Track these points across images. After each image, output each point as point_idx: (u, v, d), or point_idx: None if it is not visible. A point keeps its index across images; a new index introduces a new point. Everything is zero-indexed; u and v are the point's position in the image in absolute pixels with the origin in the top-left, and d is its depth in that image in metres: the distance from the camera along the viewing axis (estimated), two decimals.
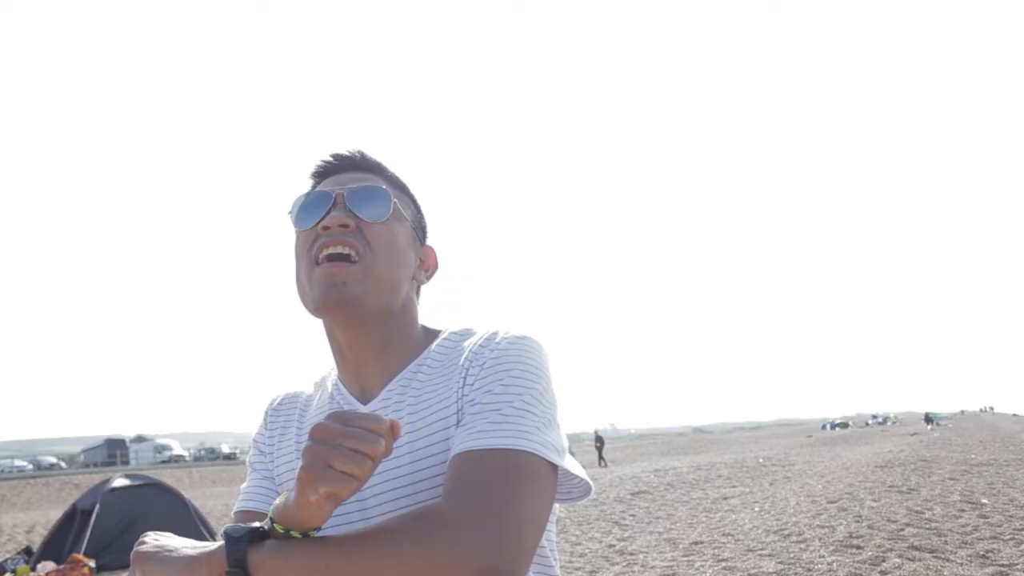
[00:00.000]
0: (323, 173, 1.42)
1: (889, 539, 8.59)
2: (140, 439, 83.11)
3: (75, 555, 10.14)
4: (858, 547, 8.23)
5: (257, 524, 1.12)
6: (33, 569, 10.28)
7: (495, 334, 1.32)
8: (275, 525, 1.08)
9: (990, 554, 7.62)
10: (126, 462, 67.01)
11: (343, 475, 0.98)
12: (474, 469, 1.12)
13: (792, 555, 8.07)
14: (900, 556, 7.63)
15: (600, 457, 38.60)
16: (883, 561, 7.46)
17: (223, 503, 16.90)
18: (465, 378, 1.27)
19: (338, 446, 0.98)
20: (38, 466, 67.30)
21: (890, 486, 14.21)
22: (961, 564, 7.22)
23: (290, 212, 1.37)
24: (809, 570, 7.27)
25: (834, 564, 7.44)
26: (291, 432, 1.46)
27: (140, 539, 1.23)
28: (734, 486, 17.35)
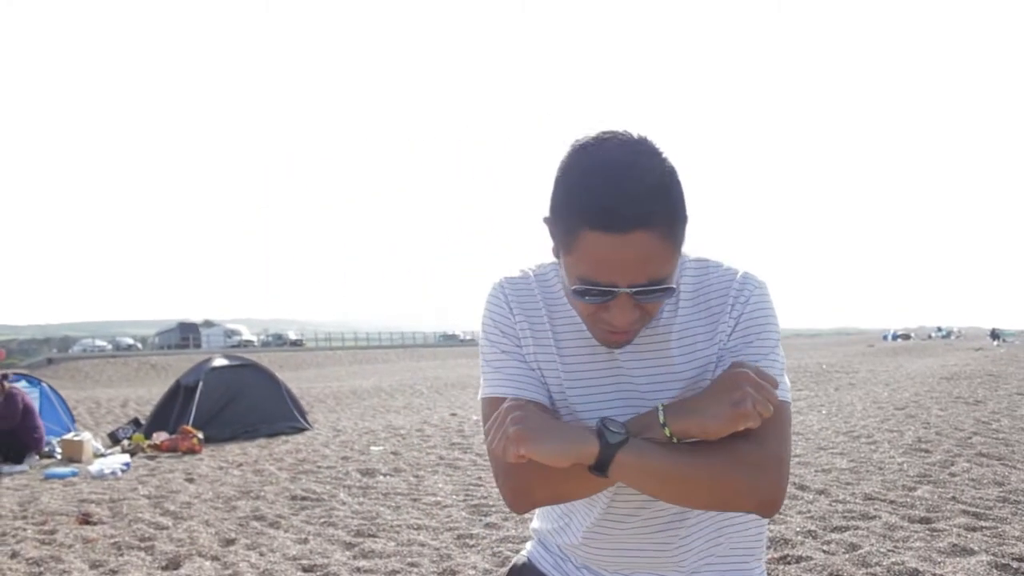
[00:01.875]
0: (607, 223, 1.28)
1: (957, 445, 8.93)
2: (208, 324, 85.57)
3: (184, 426, 10.96)
4: (927, 451, 8.59)
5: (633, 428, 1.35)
6: (147, 437, 11.13)
7: (745, 282, 1.50)
8: (670, 433, 1.34)
9: None
10: (198, 345, 69.32)
11: (759, 416, 1.30)
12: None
13: (863, 455, 8.48)
14: (968, 461, 7.98)
15: None
16: (952, 464, 7.83)
17: (296, 387, 17.77)
18: (735, 328, 1.48)
19: (763, 394, 1.30)
20: (117, 346, 70.09)
21: (956, 397, 14.44)
22: None
23: (576, 279, 1.35)
24: (880, 469, 7.67)
25: (904, 464, 7.83)
26: (544, 327, 1.55)
27: (512, 416, 1.33)
28: (799, 390, 17.70)
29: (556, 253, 1.43)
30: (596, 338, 1.44)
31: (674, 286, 1.36)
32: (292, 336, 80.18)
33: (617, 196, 1.28)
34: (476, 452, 9.80)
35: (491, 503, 6.90)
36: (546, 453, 1.29)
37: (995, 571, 4.60)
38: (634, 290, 1.32)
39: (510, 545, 5.56)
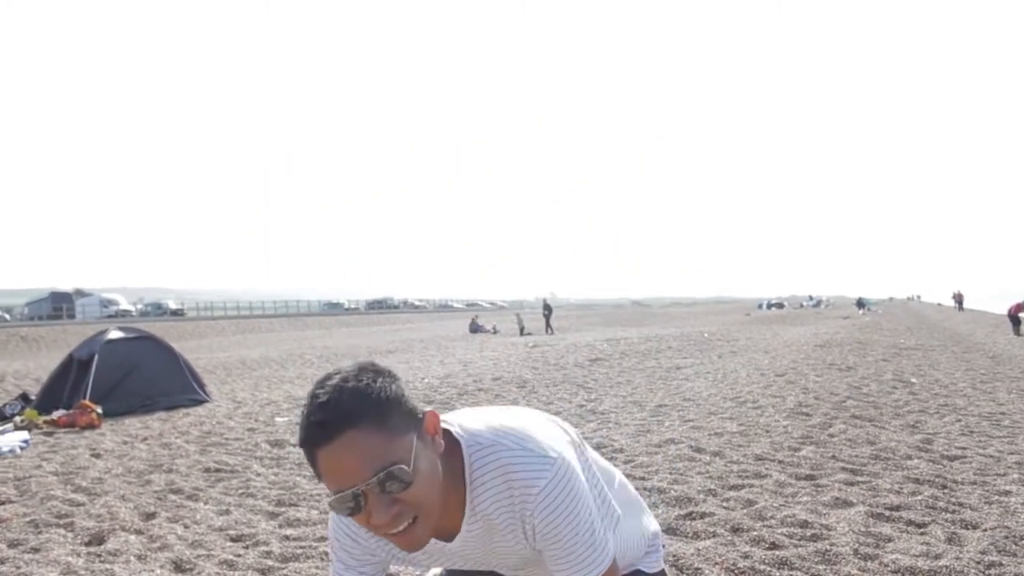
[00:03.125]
0: (307, 446, 1.50)
1: (833, 409, 9.66)
2: (80, 293, 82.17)
3: (82, 401, 10.77)
4: (807, 415, 9.27)
5: None
6: (42, 413, 10.88)
7: (530, 488, 1.62)
8: None
9: (918, 424, 8.71)
10: (72, 316, 66.71)
11: None
12: None
13: (750, 418, 9.08)
14: (844, 423, 8.68)
15: (548, 325, 39.71)
16: (830, 426, 8.51)
17: (190, 356, 17.54)
18: (529, 535, 1.68)
19: None
20: None
21: (830, 364, 15.42)
22: (895, 431, 8.28)
23: (328, 501, 1.55)
24: (768, 431, 8.27)
25: (788, 427, 8.46)
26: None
27: None
28: (684, 357, 18.49)
29: None
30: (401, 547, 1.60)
31: (406, 468, 1.48)
32: (172, 305, 78.07)
33: (313, 412, 1.49)
34: None
35: None
36: None
37: (871, 519, 5.15)
38: (366, 484, 1.45)
39: None
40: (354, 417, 1.46)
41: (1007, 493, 5.82)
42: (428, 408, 1.71)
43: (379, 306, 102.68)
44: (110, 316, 65.10)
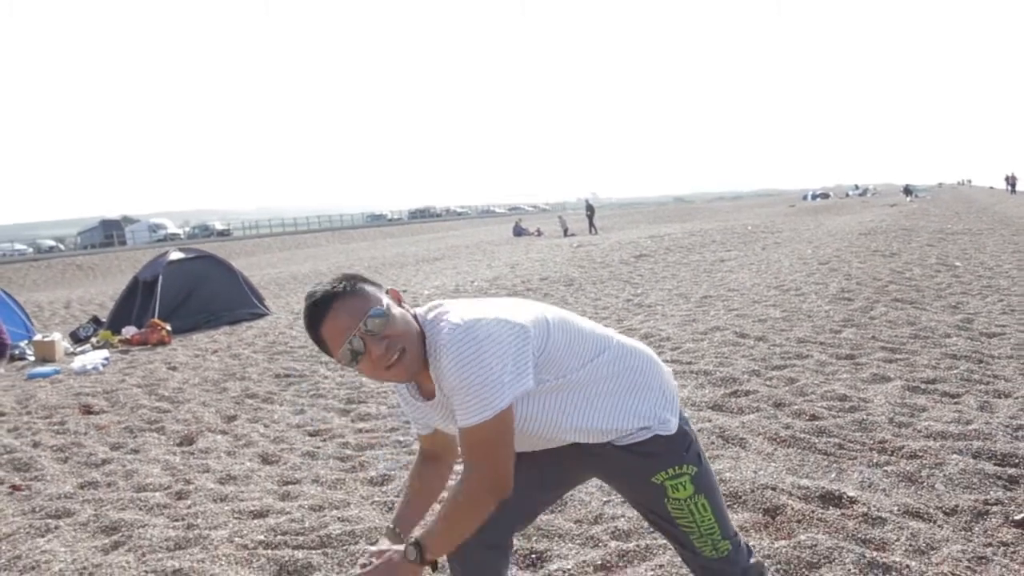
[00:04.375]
0: (318, 318, 1.96)
1: (875, 293, 9.87)
2: (128, 220, 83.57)
3: (152, 320, 11.34)
4: (849, 299, 9.50)
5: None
6: (116, 333, 11.49)
7: (437, 347, 1.95)
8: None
9: (960, 305, 8.90)
10: (123, 242, 68.06)
11: None
12: (464, 445, 1.96)
13: (793, 305, 9.34)
14: (886, 306, 8.90)
15: (591, 225, 39.72)
16: (871, 310, 8.74)
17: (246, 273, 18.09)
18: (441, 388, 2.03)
19: None
20: (38, 249, 68.45)
21: (874, 251, 15.51)
22: (935, 312, 8.49)
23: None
24: (810, 316, 8.54)
25: (830, 312, 8.72)
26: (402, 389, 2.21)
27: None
28: (728, 250, 18.67)
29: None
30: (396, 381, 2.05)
31: (381, 307, 1.93)
32: (219, 226, 79.19)
33: (307, 308, 1.98)
34: None
35: None
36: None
37: (907, 392, 5.46)
38: (356, 331, 1.91)
39: None
40: (334, 294, 1.94)
41: None
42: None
43: (422, 215, 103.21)
44: (159, 240, 66.34)
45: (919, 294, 9.75)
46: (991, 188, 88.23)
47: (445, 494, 2.24)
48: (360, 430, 5.84)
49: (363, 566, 2.05)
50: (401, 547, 2.03)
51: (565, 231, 38.67)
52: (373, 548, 2.11)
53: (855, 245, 17.16)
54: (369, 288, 1.98)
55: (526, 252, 24.97)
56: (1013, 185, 63.03)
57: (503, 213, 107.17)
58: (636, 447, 2.14)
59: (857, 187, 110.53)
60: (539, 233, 41.07)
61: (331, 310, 1.93)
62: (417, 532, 2.08)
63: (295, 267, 29.92)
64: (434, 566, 2.06)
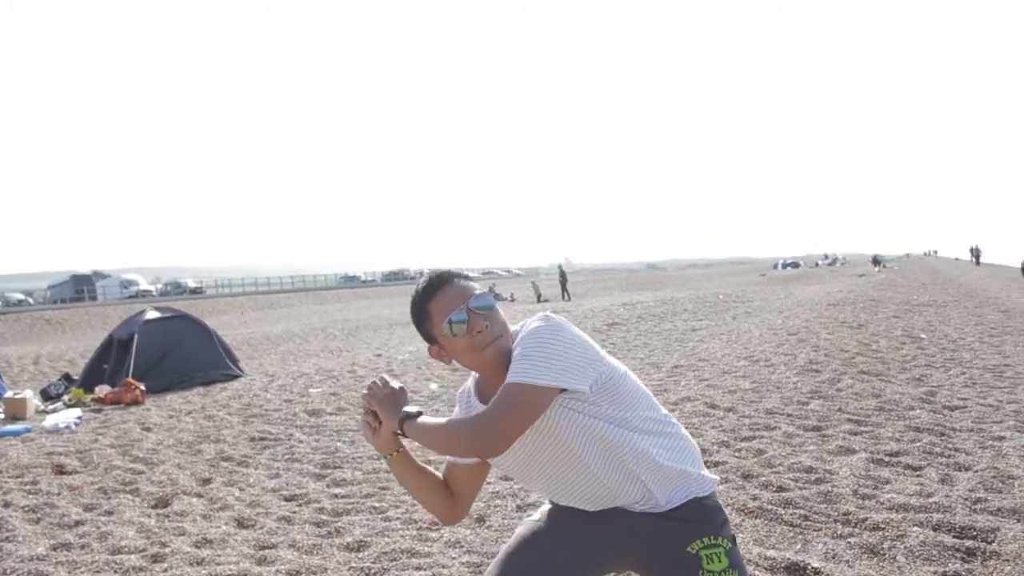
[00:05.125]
0: (431, 292, 2.22)
1: (843, 365, 10.09)
2: (99, 275, 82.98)
3: (126, 379, 11.33)
4: (817, 371, 9.71)
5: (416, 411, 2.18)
6: (89, 391, 11.45)
7: (522, 333, 2.14)
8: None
9: (924, 378, 9.13)
10: (94, 297, 67.54)
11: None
12: (496, 395, 2.06)
13: (762, 376, 9.53)
14: (852, 378, 9.12)
15: (564, 291, 40.07)
16: (838, 381, 8.94)
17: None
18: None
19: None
20: (6, 302, 67.78)
21: (842, 322, 15.80)
22: (900, 385, 8.71)
23: (445, 323, 2.16)
24: (778, 387, 8.73)
25: (798, 383, 8.91)
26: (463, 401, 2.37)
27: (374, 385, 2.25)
28: (700, 319, 18.92)
29: (439, 355, 2.24)
30: (495, 359, 2.16)
31: (488, 294, 2.20)
32: (191, 284, 78.88)
33: (421, 284, 2.23)
34: (411, 390, 10.50)
35: None
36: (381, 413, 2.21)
37: (871, 464, 5.63)
38: (466, 305, 2.16)
39: None
40: (451, 276, 2.24)
41: (1001, 439, 6.26)
42: None
43: (396, 277, 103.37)
44: (131, 296, 65.95)
45: (885, 366, 9.98)
46: (956, 259, 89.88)
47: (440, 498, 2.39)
48: (336, 495, 5.90)
49: (372, 384, 2.25)
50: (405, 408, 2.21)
51: (538, 297, 39.00)
52: (389, 379, 2.28)
53: (824, 316, 17.46)
54: (476, 282, 2.26)
55: None
56: (977, 257, 64.31)
57: (477, 277, 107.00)
58: (673, 513, 2.19)
59: (827, 256, 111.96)
60: (512, 299, 41.35)
61: (446, 285, 2.19)
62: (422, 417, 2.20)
63: (268, 328, 29.86)
64: (397, 443, 2.24)
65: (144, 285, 74.42)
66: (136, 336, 12.31)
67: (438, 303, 2.18)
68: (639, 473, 2.18)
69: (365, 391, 2.23)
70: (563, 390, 2.06)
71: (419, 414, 2.16)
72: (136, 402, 10.92)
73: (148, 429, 9.03)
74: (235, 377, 12.98)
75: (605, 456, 2.16)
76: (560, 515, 2.33)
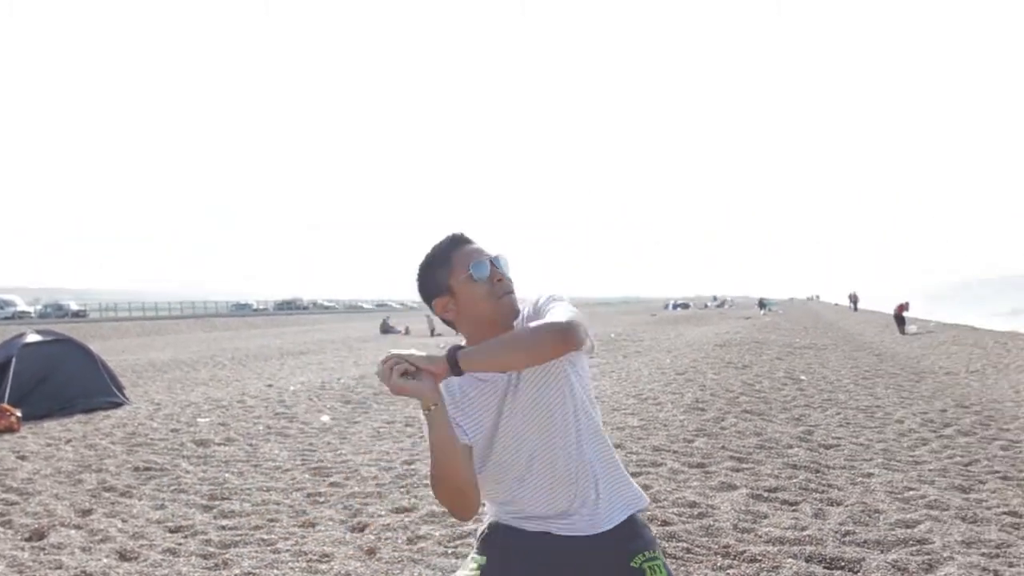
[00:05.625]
0: (457, 243, 2.33)
1: (727, 404, 10.46)
2: None
3: (1, 405, 10.84)
4: (703, 410, 10.03)
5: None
6: None
7: (531, 301, 2.32)
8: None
9: (802, 418, 9.56)
10: None
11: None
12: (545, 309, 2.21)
13: (650, 414, 9.80)
14: (736, 417, 9.46)
15: None
16: (723, 420, 9.28)
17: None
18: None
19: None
20: None
21: (728, 362, 16.34)
22: (780, 424, 9.09)
23: (468, 270, 2.26)
24: (665, 425, 8.98)
25: (685, 421, 9.19)
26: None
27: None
28: (592, 357, 19.23)
29: (443, 308, 2.31)
30: (505, 314, 2.27)
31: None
32: (74, 306, 75.95)
33: (450, 236, 2.35)
34: (302, 421, 10.40)
35: (329, 465, 7.61)
36: (419, 360, 2.08)
37: (751, 500, 5.88)
38: (492, 257, 2.29)
39: (359, 499, 6.32)
40: (470, 239, 2.36)
41: (870, 475, 6.62)
42: None
43: (288, 307, 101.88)
44: (7, 318, 63.01)
45: (767, 406, 10.38)
46: (836, 304, 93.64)
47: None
48: (224, 527, 5.80)
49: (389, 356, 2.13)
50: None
51: (432, 331, 38.94)
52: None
53: (711, 356, 18.01)
54: None
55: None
56: (855, 303, 67.28)
57: (370, 309, 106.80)
58: (616, 531, 2.29)
59: (715, 298, 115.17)
60: (407, 332, 41.17)
61: (469, 243, 2.32)
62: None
63: (154, 354, 28.95)
64: (439, 394, 2.14)
65: (22, 306, 71.23)
66: (14, 359, 11.81)
67: (462, 254, 2.28)
68: (596, 467, 2.31)
69: (382, 364, 2.10)
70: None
71: (460, 347, 2.13)
72: (11, 429, 10.45)
73: (23, 458, 8.67)
74: (119, 405, 12.56)
75: (591, 432, 2.34)
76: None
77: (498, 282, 2.27)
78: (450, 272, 2.28)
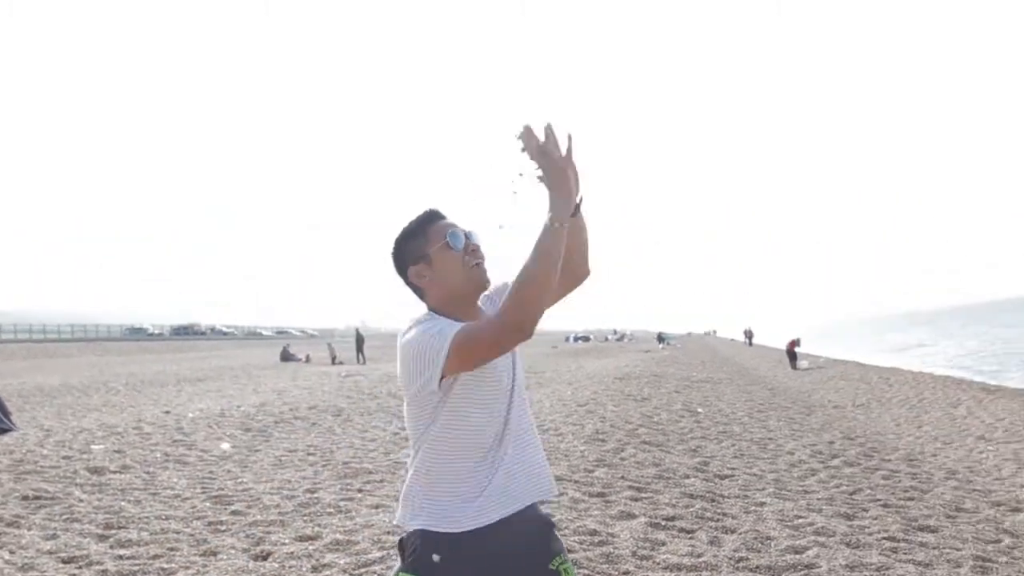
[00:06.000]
0: (432, 218, 2.48)
1: (627, 436, 10.70)
2: None
3: None
4: (603, 441, 10.25)
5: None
6: None
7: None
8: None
9: (699, 449, 9.86)
10: None
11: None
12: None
13: (552, 445, 9.95)
14: (635, 448, 9.70)
15: (359, 354, 39.79)
16: (622, 451, 9.50)
17: None
18: None
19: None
20: None
21: (627, 395, 16.68)
22: (678, 455, 9.37)
23: (444, 237, 2.41)
24: (567, 456, 9.15)
25: (585, 452, 9.38)
26: None
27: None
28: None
29: (418, 275, 2.44)
30: (475, 283, 2.43)
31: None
32: None
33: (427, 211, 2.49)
34: (201, 448, 10.21)
35: (230, 493, 7.51)
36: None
37: (650, 528, 6.06)
38: (467, 229, 2.46)
39: (262, 527, 6.27)
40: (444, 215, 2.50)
41: (762, 504, 6.91)
42: None
43: (185, 332, 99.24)
44: None
45: (665, 437, 10.67)
46: (732, 340, 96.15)
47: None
48: (120, 557, 5.68)
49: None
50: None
51: (333, 359, 38.55)
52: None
53: (611, 389, 18.34)
54: None
55: (293, 379, 24.70)
56: (750, 338, 69.31)
57: (270, 336, 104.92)
58: (544, 523, 2.55)
59: (615, 332, 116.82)
60: (307, 359, 40.63)
61: (444, 218, 2.46)
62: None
63: (42, 379, 27.86)
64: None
65: None
66: None
67: (438, 226, 2.43)
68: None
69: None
70: None
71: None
72: None
73: None
74: (5, 431, 12.07)
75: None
76: None
77: (472, 251, 2.42)
78: (426, 242, 2.42)
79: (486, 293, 2.51)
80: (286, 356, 41.27)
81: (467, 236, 2.44)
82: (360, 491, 7.52)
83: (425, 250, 2.41)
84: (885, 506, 6.93)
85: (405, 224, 2.48)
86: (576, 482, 7.73)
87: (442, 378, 2.26)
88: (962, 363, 34.10)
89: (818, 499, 7.17)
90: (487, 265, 2.47)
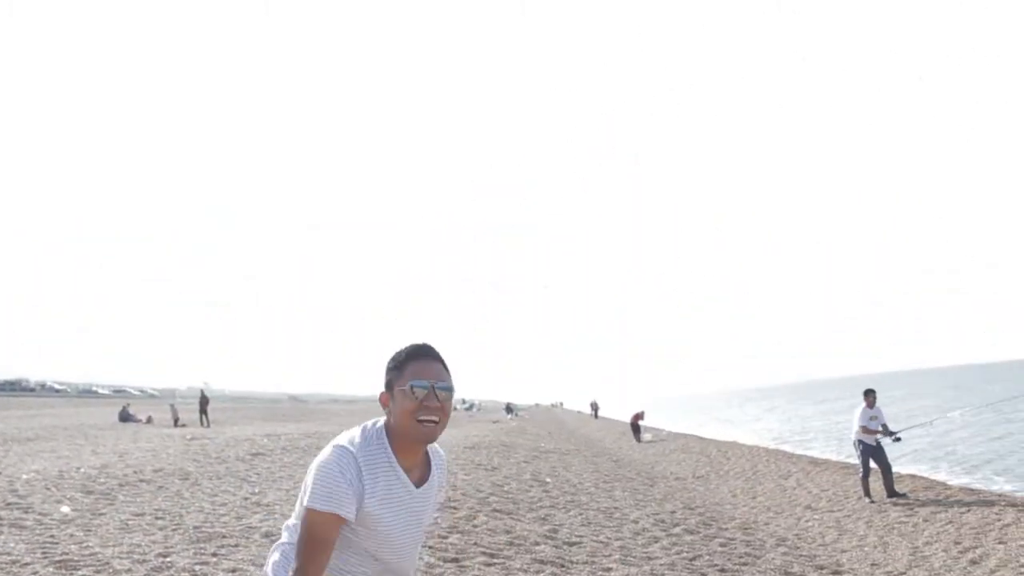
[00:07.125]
0: (416, 356, 2.57)
1: (478, 504, 10.95)
2: None
3: None
4: (455, 508, 10.46)
5: None
6: None
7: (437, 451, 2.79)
8: None
9: (548, 517, 10.21)
10: None
11: None
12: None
13: None
14: (487, 516, 9.96)
15: (204, 416, 38.51)
16: (474, 518, 9.74)
17: None
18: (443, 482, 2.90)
19: None
20: None
21: (478, 464, 16.93)
22: (528, 523, 9.68)
23: (409, 383, 2.51)
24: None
25: (438, 519, 9.55)
26: (380, 481, 2.54)
27: None
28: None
29: (382, 400, 2.60)
30: (415, 435, 2.52)
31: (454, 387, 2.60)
32: None
33: (420, 345, 2.62)
34: (39, 512, 9.81)
35: (76, 558, 7.30)
36: None
37: None
38: (439, 384, 2.54)
39: None
40: (438, 354, 2.62)
41: (609, 570, 7.29)
42: None
43: (11, 388, 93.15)
44: None
45: (515, 506, 10.97)
46: (579, 412, 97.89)
47: None
48: None
49: None
50: None
51: (176, 421, 37.15)
52: None
53: (461, 458, 18.55)
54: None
55: (135, 440, 23.73)
56: (596, 411, 70.84)
57: (107, 395, 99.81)
58: None
59: (464, 401, 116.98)
60: (149, 420, 39.01)
61: (432, 359, 2.57)
62: None
63: None
64: None
65: None
66: None
67: (414, 368, 2.53)
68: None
69: None
70: None
71: None
72: None
73: None
74: None
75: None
76: None
77: (425, 406, 2.49)
78: (399, 376, 2.54)
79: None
80: (125, 416, 39.46)
81: (434, 390, 2.52)
82: (215, 555, 7.45)
83: (394, 384, 2.54)
84: (722, 571, 7.44)
85: (401, 347, 2.61)
86: (431, 548, 7.91)
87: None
88: (789, 437, 35.99)
89: (661, 565, 7.61)
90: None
